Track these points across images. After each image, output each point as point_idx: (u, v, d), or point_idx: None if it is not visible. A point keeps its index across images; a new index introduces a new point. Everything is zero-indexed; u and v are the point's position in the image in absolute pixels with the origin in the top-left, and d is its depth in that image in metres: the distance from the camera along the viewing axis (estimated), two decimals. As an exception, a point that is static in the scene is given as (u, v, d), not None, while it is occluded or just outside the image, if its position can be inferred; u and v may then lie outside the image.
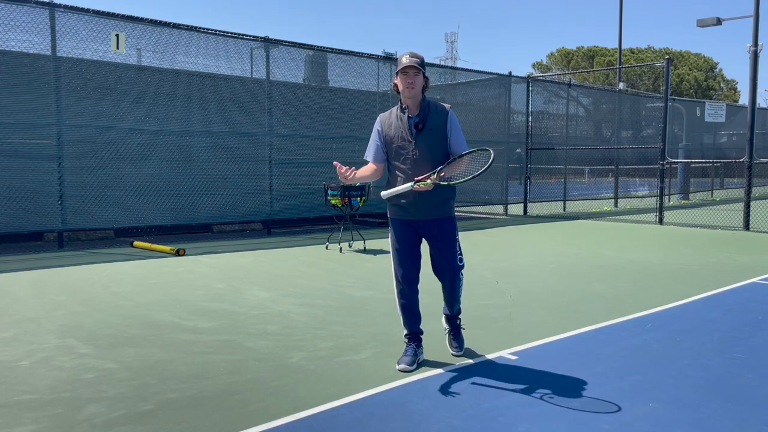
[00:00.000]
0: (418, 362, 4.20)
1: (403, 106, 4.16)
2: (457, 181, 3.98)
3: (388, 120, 4.23)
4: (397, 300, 4.31)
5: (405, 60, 4.05)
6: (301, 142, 12.26)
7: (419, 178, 3.97)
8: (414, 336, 4.31)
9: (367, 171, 4.29)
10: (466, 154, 4.05)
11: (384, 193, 4.11)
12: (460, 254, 4.30)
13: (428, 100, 4.19)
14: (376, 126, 4.29)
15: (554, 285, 7.05)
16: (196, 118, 10.87)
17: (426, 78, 4.13)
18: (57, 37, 9.36)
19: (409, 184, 3.98)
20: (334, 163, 4.14)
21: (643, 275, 7.68)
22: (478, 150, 4.04)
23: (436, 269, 4.30)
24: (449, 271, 4.26)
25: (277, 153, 11.85)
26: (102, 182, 9.93)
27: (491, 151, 3.99)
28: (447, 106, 4.23)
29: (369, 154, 4.34)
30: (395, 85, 4.17)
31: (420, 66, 4.04)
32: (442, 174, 3.95)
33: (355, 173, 4.13)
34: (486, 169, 3.95)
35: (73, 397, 3.64)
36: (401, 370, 4.09)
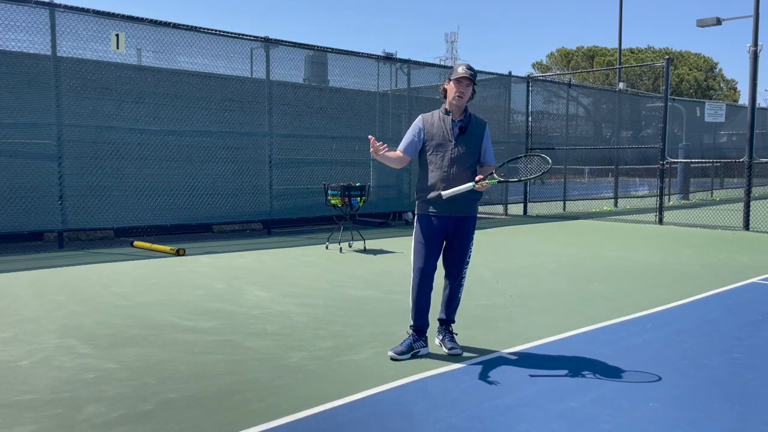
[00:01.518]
0: (413, 354, 4.38)
1: (447, 110, 4.50)
2: (518, 179, 4.59)
3: (431, 120, 4.54)
4: (412, 292, 4.49)
5: (461, 70, 4.40)
6: (301, 142, 12.26)
7: (479, 177, 4.31)
8: (418, 329, 4.47)
9: (394, 155, 4.53)
10: (526, 156, 4.67)
11: (445, 193, 4.34)
12: (470, 250, 4.58)
13: (470, 111, 4.57)
14: (417, 123, 4.57)
15: (554, 285, 7.05)
16: (196, 118, 10.87)
17: (474, 90, 4.48)
18: (57, 37, 9.36)
19: (470, 184, 4.29)
20: (369, 136, 4.44)
21: (643, 275, 7.68)
22: (541, 156, 4.56)
23: (449, 264, 4.54)
24: (458, 267, 4.52)
25: (277, 153, 11.85)
26: (102, 182, 9.93)
27: (549, 160, 4.50)
28: (485, 120, 4.67)
29: (403, 144, 4.57)
30: (444, 90, 4.51)
31: (472, 79, 4.40)
32: (502, 174, 4.38)
33: (386, 150, 4.37)
34: (544, 173, 4.49)
35: (73, 397, 3.64)
36: (391, 357, 4.32)
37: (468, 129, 4.47)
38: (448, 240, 4.52)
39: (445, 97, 4.50)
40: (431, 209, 4.46)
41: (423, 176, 4.51)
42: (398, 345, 4.43)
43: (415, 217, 4.57)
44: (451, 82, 4.41)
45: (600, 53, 58.45)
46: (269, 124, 11.67)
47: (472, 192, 4.39)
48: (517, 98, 16.62)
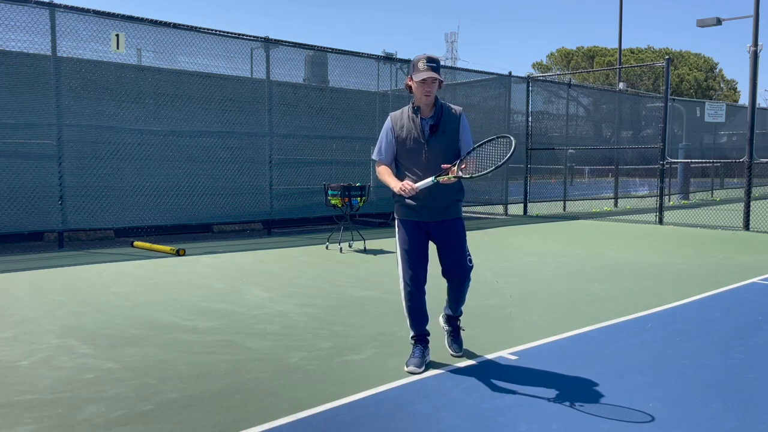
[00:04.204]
0: (425, 363, 4.16)
1: (415, 107, 4.12)
2: (481, 173, 3.95)
3: (400, 121, 4.16)
4: (404, 302, 4.23)
5: (421, 66, 3.96)
6: (301, 142, 12.27)
7: (440, 173, 3.91)
8: (421, 337, 4.26)
9: (386, 174, 4.16)
10: (485, 142, 4.02)
11: (415, 188, 3.94)
12: (469, 255, 4.26)
13: (440, 102, 4.17)
14: (387, 125, 4.21)
15: (554, 285, 7.05)
16: (196, 118, 10.88)
17: (441, 81, 4.04)
18: (57, 37, 9.36)
19: (430, 179, 3.92)
20: (406, 185, 3.93)
21: (643, 275, 7.68)
22: (497, 137, 3.99)
23: (447, 271, 4.23)
24: (459, 273, 4.21)
25: (277, 153, 11.85)
26: (102, 182, 9.93)
27: (512, 138, 3.93)
28: (458, 109, 4.21)
29: (380, 153, 4.22)
30: (408, 86, 4.09)
31: (437, 72, 3.97)
32: (463, 166, 3.90)
33: (410, 185, 3.93)
34: (509, 158, 3.90)
35: (73, 397, 3.64)
36: (410, 372, 4.04)
37: (440, 126, 4.07)
38: (438, 247, 4.20)
39: (411, 92, 4.07)
40: (409, 214, 4.16)
41: (399, 179, 4.11)
42: (411, 358, 4.15)
43: (396, 222, 4.28)
44: (414, 80, 3.98)
45: (600, 53, 58.46)
46: (269, 124, 11.67)
47: (450, 193, 4.11)
48: (517, 98, 16.62)
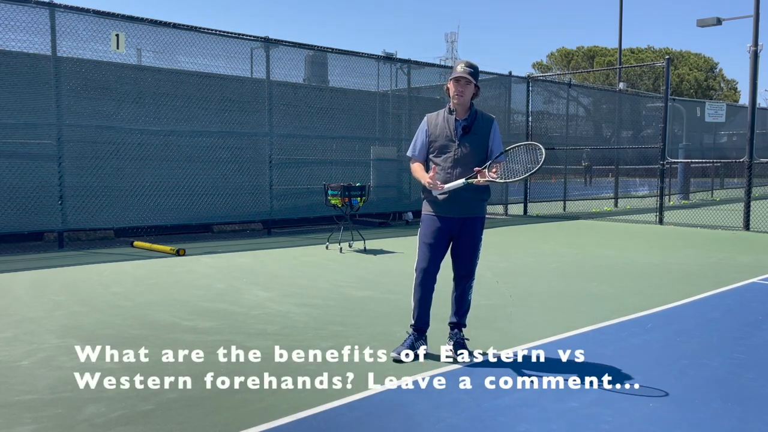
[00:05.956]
0: (415, 354, 4.33)
1: (451, 109, 4.41)
2: (514, 179, 4.30)
3: (435, 120, 4.47)
4: (414, 291, 4.47)
5: (459, 69, 4.30)
6: (301, 142, 12.26)
7: (472, 176, 4.18)
8: (419, 329, 4.45)
9: (419, 169, 4.46)
10: (515, 147, 4.36)
11: (440, 193, 4.26)
12: (479, 253, 4.53)
13: (476, 108, 4.46)
14: (423, 125, 4.51)
15: (554, 285, 7.05)
16: (196, 118, 10.87)
17: (477, 87, 4.35)
18: (57, 37, 9.36)
19: (461, 181, 4.20)
20: (430, 180, 4.26)
21: (643, 275, 7.68)
22: (527, 144, 4.32)
23: (457, 266, 4.48)
24: (467, 269, 4.47)
25: (277, 153, 11.85)
26: (102, 182, 9.93)
27: (542, 147, 4.24)
28: (492, 116, 4.53)
29: (414, 150, 4.53)
30: (447, 89, 4.41)
31: (472, 77, 4.29)
32: (494, 170, 4.17)
33: (437, 182, 4.27)
34: (541, 166, 4.21)
35: (73, 397, 3.64)
36: (394, 359, 4.27)
37: (473, 128, 4.36)
38: (454, 241, 4.44)
39: (449, 95, 4.41)
40: (435, 209, 4.40)
41: None
42: (400, 345, 4.41)
43: (421, 216, 4.54)
44: (451, 82, 4.34)
45: (600, 53, 58.44)
46: (269, 124, 11.67)
47: (478, 191, 4.34)
48: (517, 98, 16.62)
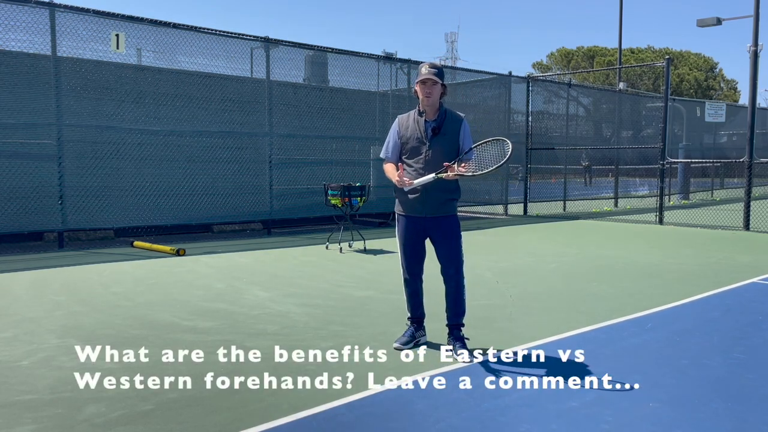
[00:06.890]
0: (415, 343, 4.59)
1: (421, 111, 4.49)
2: (483, 172, 4.37)
3: (406, 122, 4.56)
4: (403, 286, 4.72)
5: (424, 71, 4.39)
6: (301, 142, 12.26)
7: (441, 170, 4.27)
8: (416, 319, 4.70)
9: (392, 168, 4.53)
10: (484, 143, 4.47)
11: (408, 187, 4.33)
12: (461, 252, 4.60)
13: (445, 107, 4.53)
14: (395, 126, 4.60)
15: (554, 285, 7.05)
16: (196, 118, 10.87)
17: (444, 86, 4.45)
18: (57, 37, 9.36)
19: (431, 176, 4.28)
20: (398, 179, 4.35)
21: (643, 275, 7.68)
22: (495, 140, 4.43)
23: (443, 266, 4.57)
24: (451, 267, 4.52)
25: (277, 153, 11.85)
26: (102, 182, 9.93)
27: (509, 141, 4.40)
28: (461, 115, 4.59)
29: (387, 152, 4.62)
30: (415, 91, 4.47)
31: (438, 77, 4.37)
32: (463, 166, 4.28)
33: (404, 179, 4.36)
34: (508, 159, 4.35)
35: (73, 397, 3.64)
36: (395, 348, 4.50)
37: (442, 129, 4.44)
38: (432, 241, 4.56)
39: (418, 96, 4.46)
40: (406, 209, 4.53)
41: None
42: (401, 336, 4.63)
43: (396, 216, 4.67)
44: (418, 84, 4.39)
45: (600, 53, 58.43)
46: (269, 124, 11.67)
47: (447, 191, 4.42)
48: (517, 98, 16.61)
